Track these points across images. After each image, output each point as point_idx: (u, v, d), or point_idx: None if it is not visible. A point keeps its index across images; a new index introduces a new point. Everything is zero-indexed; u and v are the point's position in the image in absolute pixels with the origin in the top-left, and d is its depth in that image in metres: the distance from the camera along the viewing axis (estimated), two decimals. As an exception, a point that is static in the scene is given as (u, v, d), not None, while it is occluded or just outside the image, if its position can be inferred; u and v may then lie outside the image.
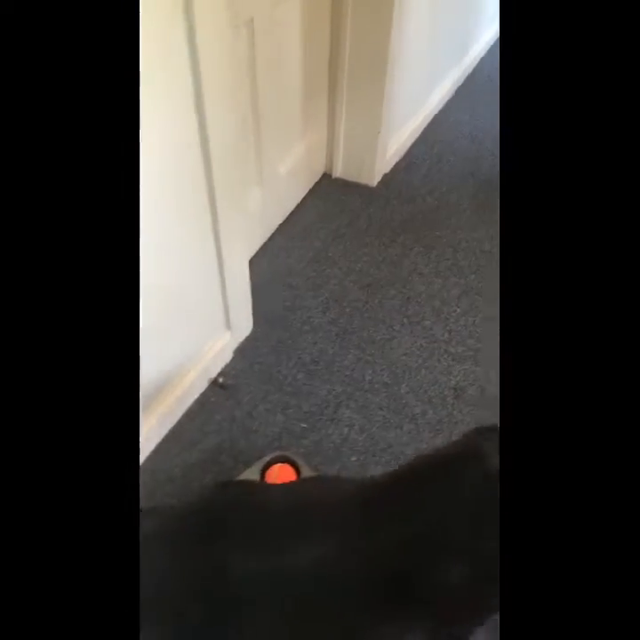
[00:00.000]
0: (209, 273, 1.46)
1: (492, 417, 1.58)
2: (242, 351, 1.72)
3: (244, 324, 1.72)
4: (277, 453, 1.42)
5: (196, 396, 1.59)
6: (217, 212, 1.36)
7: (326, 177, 2.33)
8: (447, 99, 2.70)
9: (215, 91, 1.17)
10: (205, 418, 1.56)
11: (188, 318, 1.45)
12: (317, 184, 2.29)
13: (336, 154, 2.26)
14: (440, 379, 1.68)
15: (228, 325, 1.63)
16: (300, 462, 1.41)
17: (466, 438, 0.78)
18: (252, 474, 1.39)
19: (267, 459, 1.40)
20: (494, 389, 1.65)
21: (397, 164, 2.40)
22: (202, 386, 1.60)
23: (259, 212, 1.93)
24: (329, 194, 2.26)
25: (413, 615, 0.62)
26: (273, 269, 1.96)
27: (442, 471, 0.73)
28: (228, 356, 1.69)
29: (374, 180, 2.28)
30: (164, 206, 1.19)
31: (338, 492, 0.79)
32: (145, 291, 1.16)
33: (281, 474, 1.39)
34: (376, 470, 1.47)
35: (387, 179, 2.34)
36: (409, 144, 2.46)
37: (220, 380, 1.61)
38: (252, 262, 1.98)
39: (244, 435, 1.53)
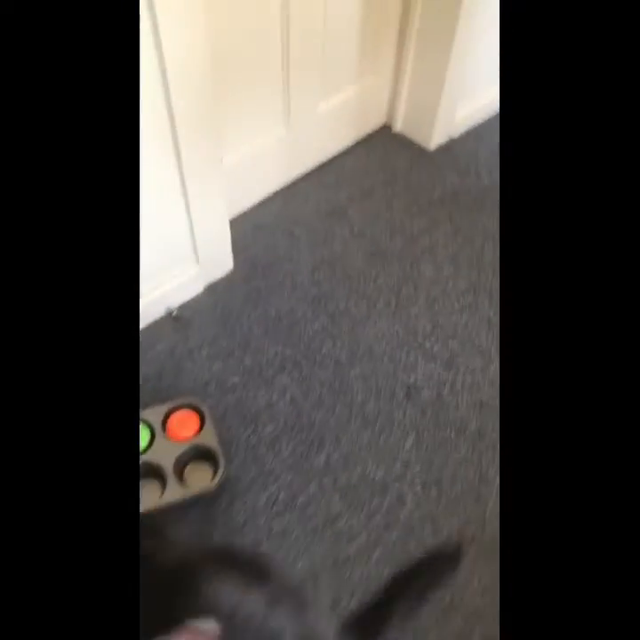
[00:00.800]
0: (171, 206, 1.41)
1: (432, 428, 1.45)
2: (213, 288, 1.68)
3: (220, 262, 1.66)
4: (188, 400, 1.39)
5: (146, 321, 1.58)
6: (181, 154, 1.30)
7: (385, 129, 2.16)
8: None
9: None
10: (146, 344, 1.54)
11: (147, 244, 1.42)
12: (372, 135, 2.13)
13: (398, 105, 2.08)
14: (399, 373, 1.55)
15: (197, 260, 1.58)
16: (206, 416, 1.37)
17: None
18: (157, 413, 1.37)
19: (174, 404, 1.38)
20: (452, 398, 1.50)
21: (468, 132, 2.18)
22: (156, 312, 1.59)
23: (280, 152, 1.83)
24: (378, 147, 2.10)
25: None
26: (282, 214, 1.87)
27: None
28: (196, 290, 1.65)
29: (431, 142, 2.09)
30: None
31: None
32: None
33: (183, 423, 1.36)
34: (286, 444, 1.40)
35: (450, 144, 2.13)
36: (487, 114, 2.21)
37: (174, 312, 1.58)
38: (264, 203, 1.90)
39: (175, 372, 1.51)
